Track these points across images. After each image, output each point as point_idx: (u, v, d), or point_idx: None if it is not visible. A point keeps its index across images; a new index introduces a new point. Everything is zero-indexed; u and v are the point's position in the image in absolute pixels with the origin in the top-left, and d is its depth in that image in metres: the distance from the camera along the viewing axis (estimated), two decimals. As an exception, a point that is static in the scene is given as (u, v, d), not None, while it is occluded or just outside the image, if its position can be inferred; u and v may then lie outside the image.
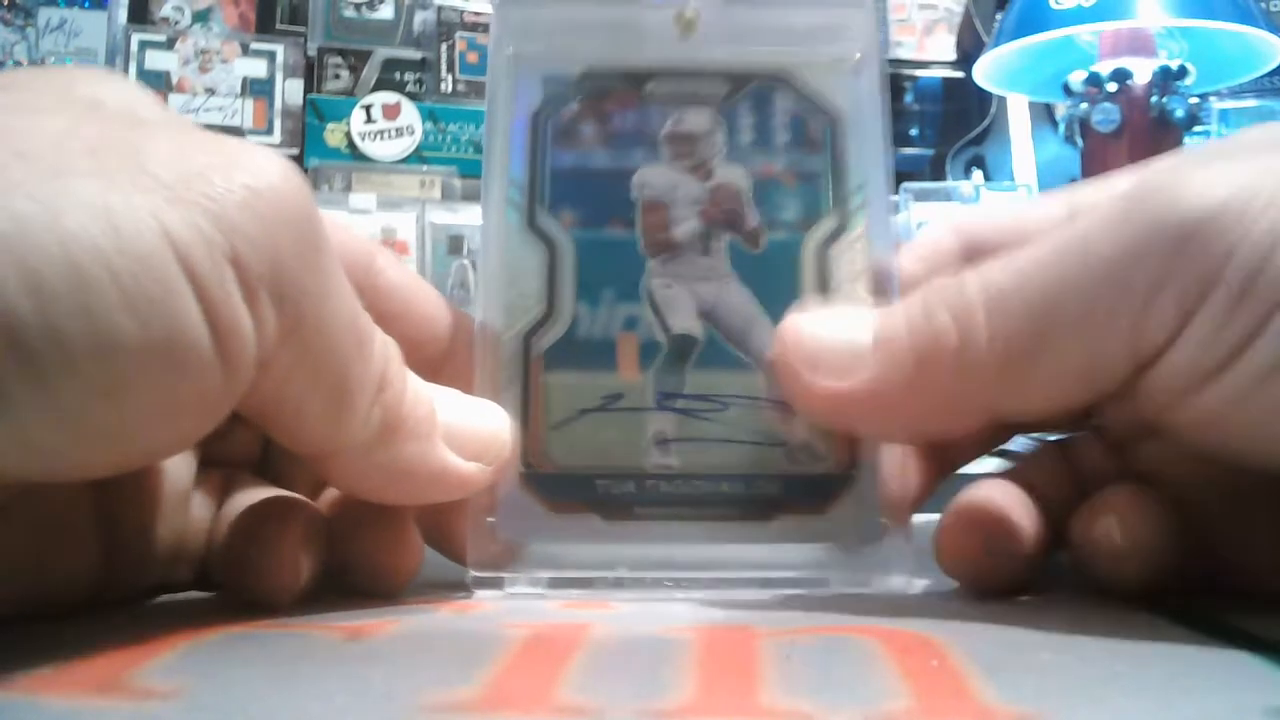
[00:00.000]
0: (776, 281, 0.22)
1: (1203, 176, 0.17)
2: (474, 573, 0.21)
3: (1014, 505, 0.21)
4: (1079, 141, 0.95)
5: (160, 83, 1.07)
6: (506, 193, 0.23)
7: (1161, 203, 0.17)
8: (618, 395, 0.22)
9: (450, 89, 1.13)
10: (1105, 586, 0.20)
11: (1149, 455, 0.21)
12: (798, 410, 0.21)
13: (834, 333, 0.20)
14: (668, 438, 0.22)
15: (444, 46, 1.14)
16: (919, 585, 0.21)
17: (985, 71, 0.99)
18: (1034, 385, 0.18)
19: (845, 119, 0.23)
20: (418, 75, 1.15)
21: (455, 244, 1.01)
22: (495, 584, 0.21)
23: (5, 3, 1.10)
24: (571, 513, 0.21)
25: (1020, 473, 0.22)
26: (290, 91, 1.11)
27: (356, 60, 1.15)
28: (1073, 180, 1.05)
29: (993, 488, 0.22)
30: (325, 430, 0.18)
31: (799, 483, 0.21)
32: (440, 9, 1.14)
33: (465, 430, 0.20)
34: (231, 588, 0.20)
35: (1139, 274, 0.17)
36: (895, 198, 0.90)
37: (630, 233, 0.23)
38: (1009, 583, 0.21)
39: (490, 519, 0.21)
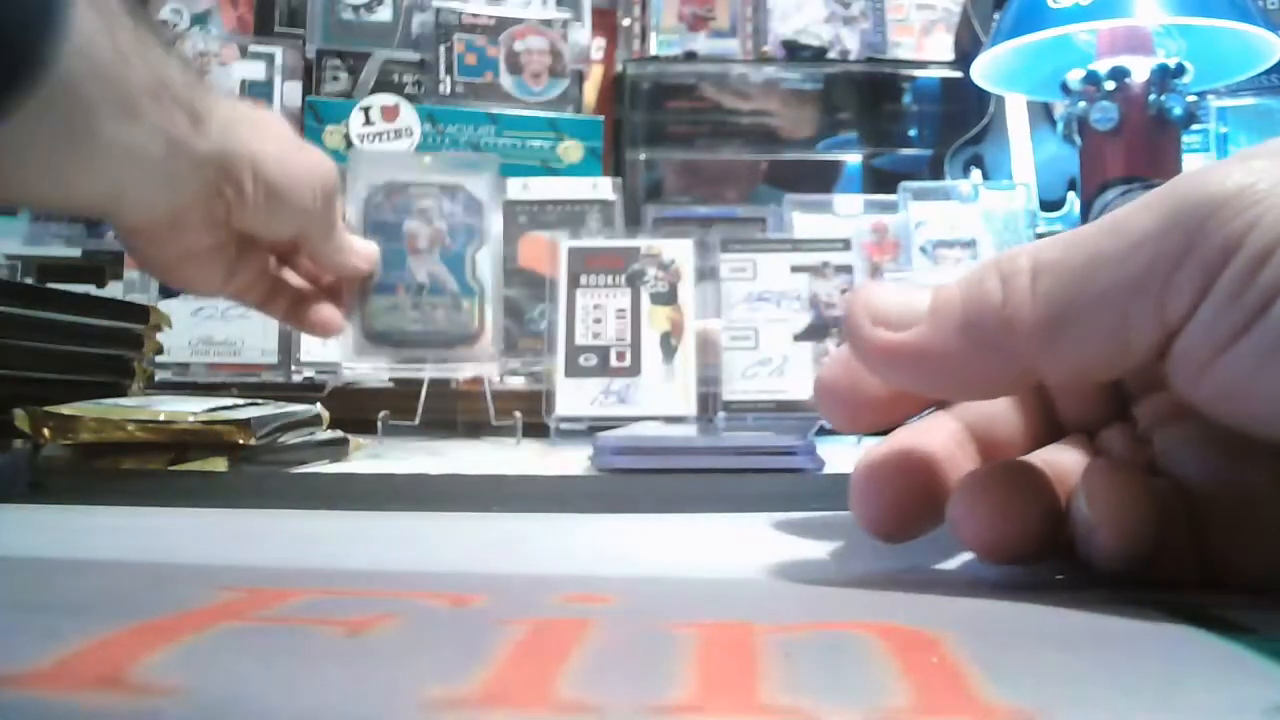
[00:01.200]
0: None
1: (1235, 165, 0.18)
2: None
3: (1025, 472, 0.22)
4: (1077, 140, 0.95)
5: (159, 85, 1.07)
6: None
7: (1193, 184, 0.18)
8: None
9: (449, 90, 1.13)
10: (1087, 565, 0.20)
11: (1166, 446, 0.22)
12: (859, 360, 0.22)
13: (898, 295, 0.21)
14: None
15: (442, 48, 1.14)
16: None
17: (983, 71, 0.99)
18: (1068, 345, 0.19)
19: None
20: (416, 77, 1.15)
21: (454, 245, 1.01)
22: None
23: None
24: None
25: (1041, 454, 0.23)
26: (289, 94, 1.11)
27: (355, 62, 1.15)
28: (1071, 179, 1.05)
29: (1007, 462, 0.23)
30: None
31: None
32: (439, 11, 1.14)
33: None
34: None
35: (1167, 245, 0.18)
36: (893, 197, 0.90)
37: None
38: (1021, 547, 0.21)
39: None
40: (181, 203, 0.45)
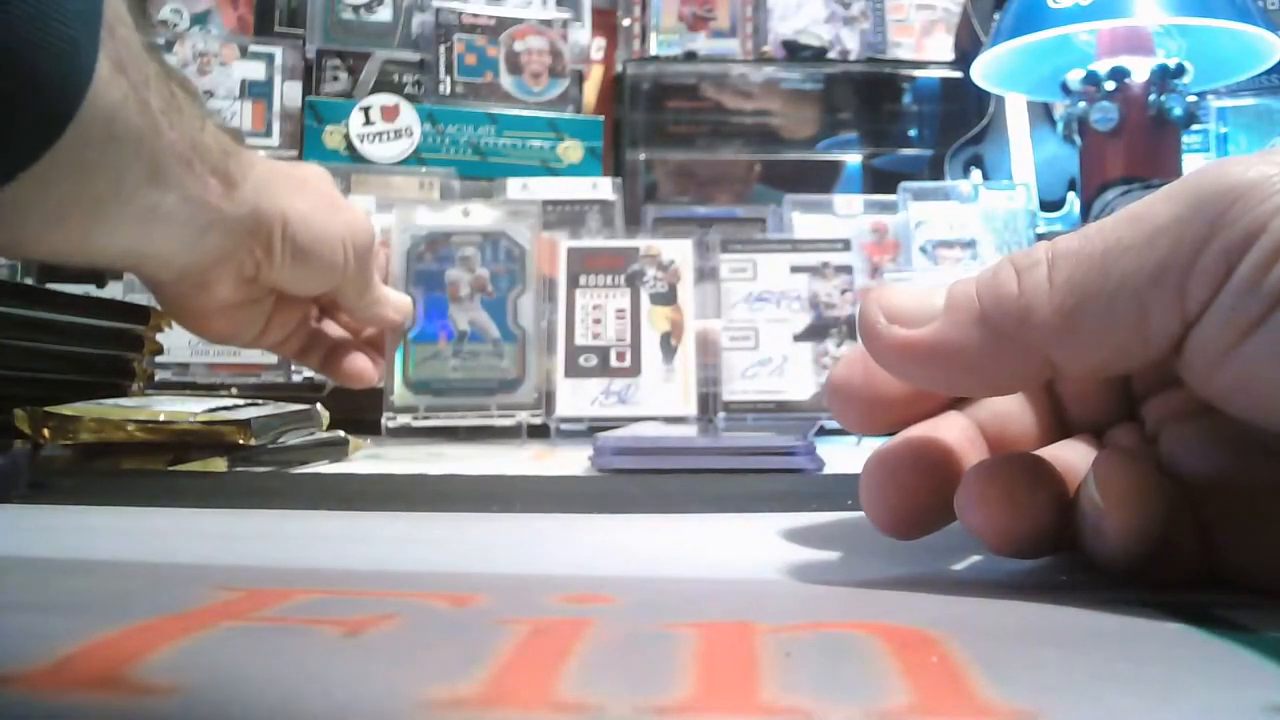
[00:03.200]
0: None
1: (1256, 158, 0.18)
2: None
3: (1034, 463, 0.21)
4: (1077, 140, 0.95)
5: (159, 85, 1.07)
6: None
7: (1214, 174, 0.18)
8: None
9: (449, 91, 1.13)
10: (1093, 555, 0.20)
11: (1173, 445, 0.22)
12: (874, 359, 0.22)
13: (912, 292, 0.21)
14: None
15: (442, 49, 1.14)
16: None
17: (983, 71, 0.99)
18: (1086, 335, 0.19)
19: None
20: (416, 77, 1.15)
21: (454, 245, 1.01)
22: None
23: (3, 6, 1.10)
24: None
25: (1048, 450, 0.23)
26: (289, 93, 1.11)
27: (355, 62, 1.15)
28: (1071, 179, 1.05)
29: (1016, 453, 0.22)
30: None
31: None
32: (439, 11, 1.14)
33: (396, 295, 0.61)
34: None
35: (1189, 233, 0.18)
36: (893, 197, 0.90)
37: None
38: (1028, 537, 0.21)
39: None
40: (208, 263, 0.45)
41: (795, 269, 0.74)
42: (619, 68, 1.23)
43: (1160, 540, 0.19)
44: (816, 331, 0.72)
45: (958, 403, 0.25)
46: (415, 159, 1.09)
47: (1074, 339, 0.19)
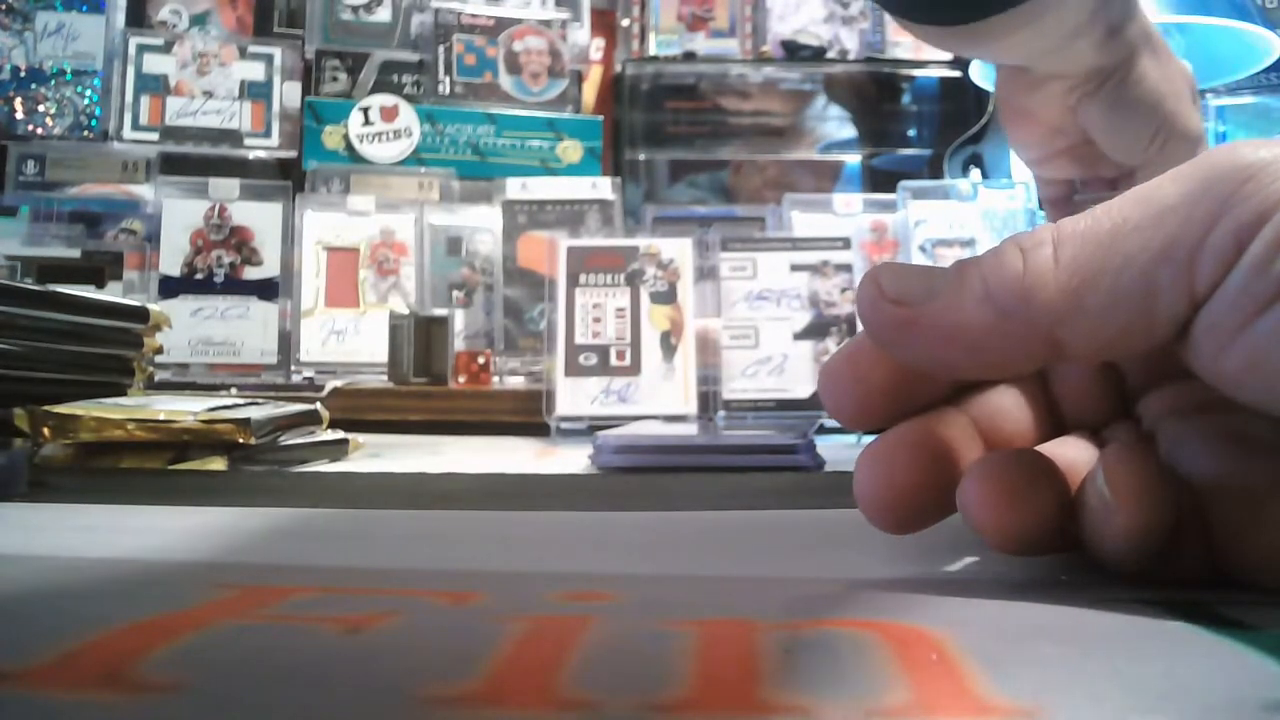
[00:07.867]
0: None
1: (1264, 141, 0.18)
2: None
3: (1037, 459, 0.21)
4: (1076, 139, 0.95)
5: (158, 86, 1.07)
6: None
7: (1224, 155, 0.18)
8: None
9: (448, 91, 1.13)
10: (1098, 553, 0.20)
11: (1173, 442, 0.21)
12: (872, 338, 0.21)
13: (914, 270, 0.21)
14: None
15: (441, 49, 1.14)
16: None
17: (982, 70, 0.99)
18: (1092, 314, 0.19)
19: None
20: (415, 77, 1.15)
21: (454, 245, 1.01)
22: None
23: (2, 6, 1.10)
24: None
25: (1046, 448, 0.23)
26: (288, 94, 1.11)
27: (354, 63, 1.15)
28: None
29: (1018, 449, 0.22)
30: None
31: None
32: (438, 11, 1.14)
33: None
34: None
35: (1199, 209, 0.18)
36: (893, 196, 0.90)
37: None
38: (1033, 535, 0.20)
39: None
40: (1057, 70, 0.48)
41: (795, 267, 0.74)
42: (618, 68, 1.23)
43: (1166, 537, 0.19)
44: (816, 330, 0.72)
45: (951, 398, 0.24)
46: (414, 159, 1.09)
47: (1079, 318, 0.19)
